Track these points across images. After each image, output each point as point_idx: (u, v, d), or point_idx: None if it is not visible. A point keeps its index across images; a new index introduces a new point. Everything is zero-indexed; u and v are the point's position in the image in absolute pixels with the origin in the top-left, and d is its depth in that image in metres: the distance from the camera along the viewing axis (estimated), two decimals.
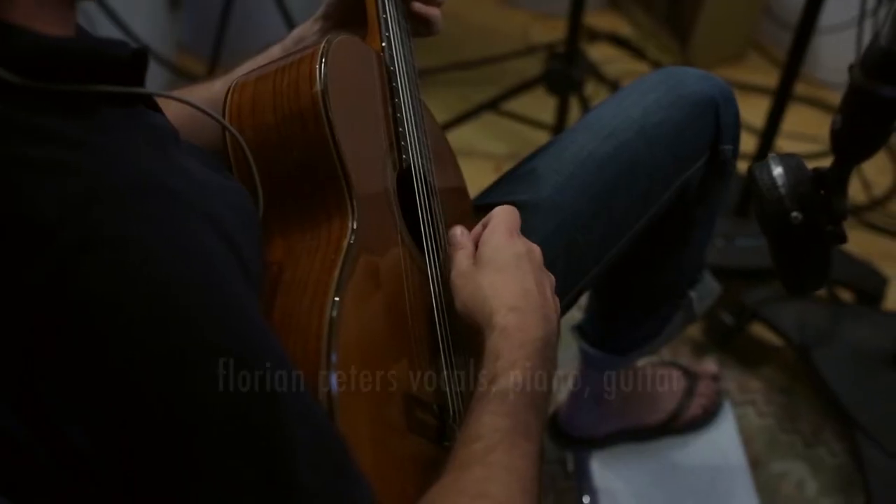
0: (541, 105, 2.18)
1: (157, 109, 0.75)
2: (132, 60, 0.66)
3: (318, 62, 0.80)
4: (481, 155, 2.17)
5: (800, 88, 2.17)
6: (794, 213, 0.68)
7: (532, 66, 2.24)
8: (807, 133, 2.16)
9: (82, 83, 0.62)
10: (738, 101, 1.16)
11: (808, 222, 0.68)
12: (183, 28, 2.46)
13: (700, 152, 1.10)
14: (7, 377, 0.56)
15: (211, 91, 0.97)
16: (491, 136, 2.21)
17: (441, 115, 2.13)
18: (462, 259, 0.83)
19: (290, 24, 2.09)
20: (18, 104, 0.59)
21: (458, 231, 0.86)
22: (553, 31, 2.42)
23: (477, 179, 1.09)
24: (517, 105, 2.17)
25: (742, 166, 2.04)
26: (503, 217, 0.86)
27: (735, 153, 1.13)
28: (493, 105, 2.14)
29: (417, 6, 0.98)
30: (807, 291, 0.74)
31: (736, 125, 1.12)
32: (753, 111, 2.13)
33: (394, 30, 0.94)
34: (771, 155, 0.70)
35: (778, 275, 0.75)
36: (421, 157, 0.90)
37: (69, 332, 0.55)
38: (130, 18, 2.01)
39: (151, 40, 2.13)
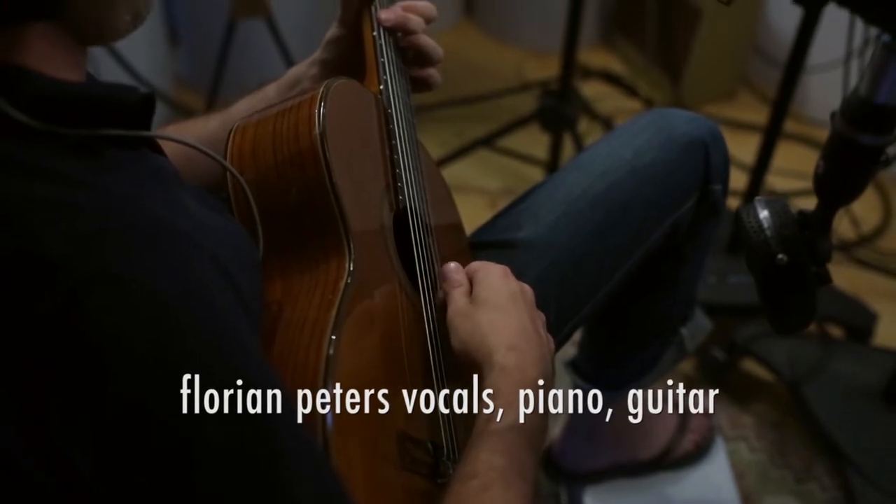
0: (535, 141, 2.21)
1: (160, 151, 0.77)
2: (140, 105, 0.68)
3: (318, 106, 0.82)
4: (476, 190, 2.19)
5: (790, 126, 2.21)
6: (780, 255, 0.70)
7: (526, 103, 2.27)
8: (797, 170, 2.19)
9: (92, 127, 0.64)
10: (729, 138, 1.18)
11: (793, 264, 0.70)
12: (181, 62, 2.50)
13: (690, 192, 1.12)
14: (13, 401, 0.57)
15: (207, 129, 0.99)
16: (485, 171, 2.24)
17: (437, 151, 2.16)
18: (458, 297, 0.85)
19: (288, 60, 2.12)
20: (31, 145, 0.61)
21: (453, 267, 0.87)
22: (547, 68, 2.45)
23: (471, 215, 1.11)
24: (511, 141, 2.20)
25: (733, 203, 2.08)
26: (491, 263, 0.87)
27: (725, 193, 1.16)
28: (487, 141, 2.17)
29: (413, 69, 1.01)
30: (793, 331, 0.76)
31: (725, 166, 1.15)
32: (744, 148, 2.15)
33: (391, 72, 0.96)
34: (757, 198, 0.72)
35: (765, 314, 0.77)
36: (417, 197, 0.92)
37: (75, 362, 0.56)
38: (129, 52, 2.04)
39: (150, 74, 2.16)
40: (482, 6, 2.83)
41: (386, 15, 0.97)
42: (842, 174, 0.67)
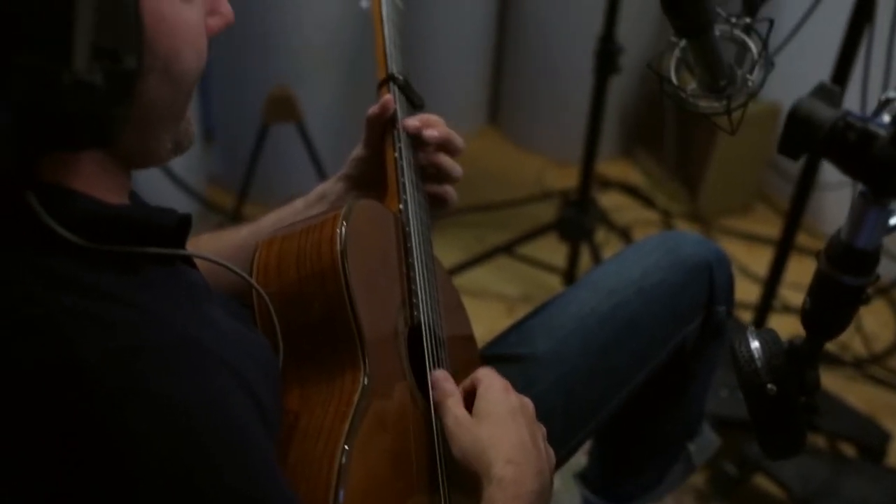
0: (553, 250, 2.26)
1: (193, 264, 0.83)
2: (177, 227, 0.74)
3: (340, 225, 0.88)
4: (494, 296, 2.24)
5: (804, 240, 2.25)
6: (769, 385, 0.73)
7: (546, 211, 2.34)
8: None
9: (132, 245, 0.70)
10: (743, 251, 1.24)
11: (782, 394, 0.73)
12: (214, 161, 2.59)
13: (696, 312, 1.16)
14: (42, 492, 0.62)
15: (237, 238, 1.05)
16: (504, 278, 2.29)
17: (457, 256, 2.22)
18: (453, 407, 0.87)
19: (317, 163, 2.21)
20: (74, 260, 0.66)
21: (441, 376, 0.89)
22: (567, 177, 2.53)
23: (489, 320, 1.15)
24: (530, 249, 2.26)
25: (746, 316, 2.11)
26: (494, 373, 0.91)
27: (729, 314, 1.20)
28: (507, 248, 2.23)
29: (431, 186, 1.07)
30: (783, 457, 0.79)
31: (730, 288, 1.19)
32: (759, 261, 2.20)
33: (411, 192, 1.02)
34: (749, 329, 0.77)
35: (757, 439, 0.80)
36: (431, 312, 0.97)
37: (103, 467, 0.61)
38: None
39: (184, 170, 2.24)
40: (506, 113, 2.93)
41: (410, 122, 1.04)
42: (827, 310, 0.72)
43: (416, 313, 0.94)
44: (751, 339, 0.74)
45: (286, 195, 2.53)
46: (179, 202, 2.21)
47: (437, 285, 1.01)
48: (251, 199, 2.30)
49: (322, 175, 2.23)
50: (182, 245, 0.76)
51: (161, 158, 0.75)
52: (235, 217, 2.30)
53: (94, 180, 0.70)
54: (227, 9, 0.75)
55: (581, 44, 2.37)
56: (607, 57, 1.96)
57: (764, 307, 1.91)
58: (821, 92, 0.66)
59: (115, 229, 0.69)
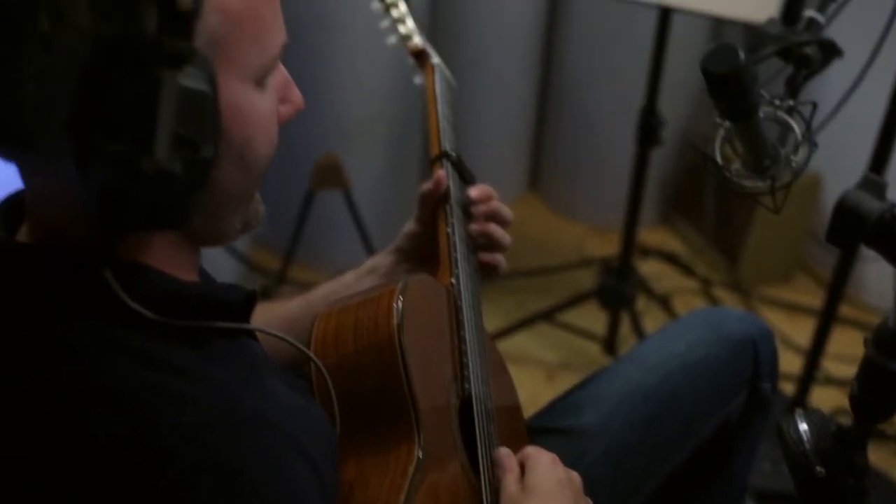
0: (593, 317, 2.28)
1: (254, 337, 0.86)
2: (245, 303, 0.78)
3: (396, 300, 0.91)
4: (534, 362, 2.25)
5: (846, 311, 2.24)
6: (818, 468, 0.75)
7: (585, 278, 2.36)
8: (853, 355, 2.19)
9: (201, 320, 0.73)
10: (784, 321, 1.25)
11: (831, 477, 0.75)
12: (261, 224, 2.64)
13: (740, 388, 1.18)
14: None
15: (289, 309, 1.09)
16: (544, 344, 2.31)
17: (497, 321, 2.24)
18: (510, 483, 0.90)
19: (362, 230, 2.25)
20: (147, 335, 0.70)
21: (504, 453, 0.93)
22: (607, 244, 2.55)
23: (529, 387, 1.17)
24: (570, 316, 2.28)
25: (787, 387, 2.10)
26: (541, 448, 0.93)
27: (773, 390, 1.21)
28: (547, 315, 2.25)
29: (483, 255, 1.10)
30: None
31: (774, 364, 1.21)
32: (801, 332, 2.19)
33: (462, 266, 1.05)
34: (797, 410, 0.78)
35: None
36: (481, 384, 0.99)
37: None
38: None
39: None
40: (546, 180, 2.96)
41: (473, 192, 1.09)
42: (875, 396, 0.73)
43: (467, 386, 0.96)
44: (799, 422, 0.76)
45: (330, 259, 2.59)
46: (224, 262, 2.26)
47: (486, 355, 1.04)
48: (296, 261, 2.35)
49: (366, 241, 2.28)
50: (247, 319, 0.80)
51: (230, 237, 0.79)
52: (280, 279, 2.34)
53: (167, 258, 0.74)
54: (297, 96, 0.79)
55: (621, 113, 2.42)
56: (650, 129, 2.00)
57: (806, 379, 1.91)
58: (867, 184, 0.68)
59: (187, 305, 0.73)
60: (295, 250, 2.29)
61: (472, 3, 2.53)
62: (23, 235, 0.75)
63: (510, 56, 2.66)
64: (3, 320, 0.70)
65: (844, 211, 0.66)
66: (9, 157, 0.69)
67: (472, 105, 2.66)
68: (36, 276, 0.70)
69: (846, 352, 2.21)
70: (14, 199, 0.77)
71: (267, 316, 1.07)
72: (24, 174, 0.72)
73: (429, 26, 2.29)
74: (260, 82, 0.72)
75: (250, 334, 0.85)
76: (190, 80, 0.62)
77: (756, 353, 1.18)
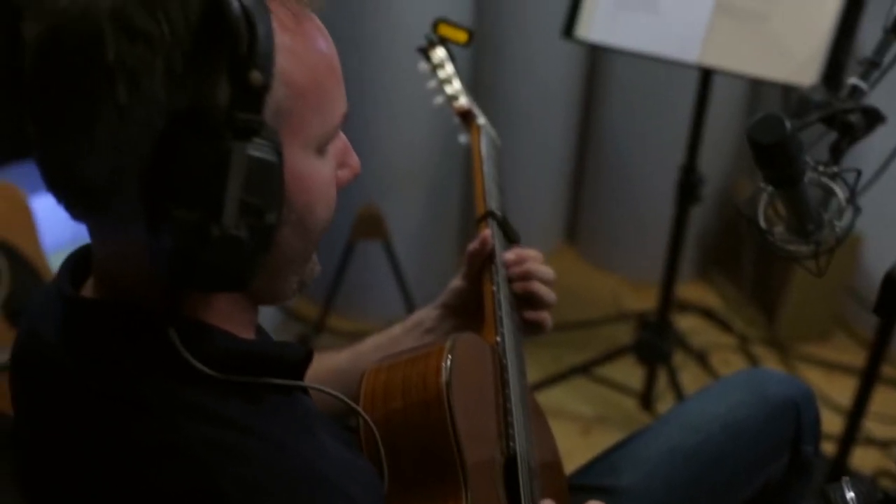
0: (629, 371, 2.28)
1: (306, 392, 0.88)
2: (302, 361, 0.80)
3: (445, 359, 0.92)
4: (570, 416, 2.25)
5: (888, 370, 2.22)
6: None
7: (622, 332, 2.36)
8: (894, 415, 2.19)
9: (257, 376, 0.75)
10: (822, 379, 1.25)
11: None
12: None
13: (781, 451, 1.18)
14: None
15: (337, 362, 1.11)
16: (580, 398, 2.31)
17: (534, 375, 2.23)
18: None
19: (401, 281, 2.27)
20: (208, 391, 0.72)
21: None
22: (643, 298, 2.55)
23: (564, 440, 1.16)
24: (607, 370, 2.28)
25: (828, 447, 2.08)
26: None
27: (816, 453, 1.21)
28: (583, 369, 2.25)
29: (528, 313, 1.12)
30: None
31: (816, 427, 1.21)
32: (839, 389, 2.18)
33: (507, 325, 1.07)
34: (844, 478, 0.78)
35: None
36: (525, 442, 1.00)
37: None
38: None
39: None
40: (583, 233, 2.98)
41: (509, 255, 1.11)
42: None
43: (511, 444, 0.97)
44: (846, 490, 0.76)
45: (368, 309, 2.61)
46: (264, 310, 2.28)
47: (529, 412, 1.05)
48: (334, 310, 2.38)
49: (405, 292, 2.30)
50: (302, 376, 0.82)
51: (287, 297, 0.81)
52: (318, 328, 2.37)
53: (227, 316, 0.76)
54: (355, 161, 0.82)
55: (660, 169, 2.44)
56: (690, 187, 2.01)
57: (847, 440, 1.89)
58: None
59: (245, 362, 0.75)
60: (334, 299, 2.32)
61: (513, 61, 2.58)
62: (88, 290, 0.77)
63: (551, 113, 2.70)
64: (74, 373, 0.72)
65: (893, 284, 0.67)
66: (82, 218, 0.72)
67: (511, 159, 2.69)
68: (105, 332, 0.73)
69: (886, 411, 2.19)
70: (80, 255, 0.80)
71: (315, 367, 1.09)
72: (95, 234, 0.75)
73: (471, 82, 2.33)
74: (321, 150, 0.75)
75: (304, 389, 0.87)
76: (258, 151, 0.65)
77: (798, 416, 1.18)
